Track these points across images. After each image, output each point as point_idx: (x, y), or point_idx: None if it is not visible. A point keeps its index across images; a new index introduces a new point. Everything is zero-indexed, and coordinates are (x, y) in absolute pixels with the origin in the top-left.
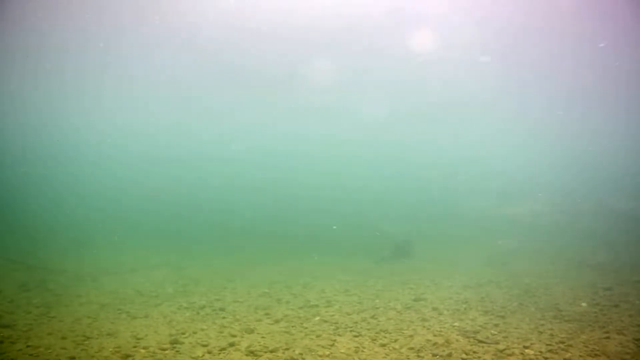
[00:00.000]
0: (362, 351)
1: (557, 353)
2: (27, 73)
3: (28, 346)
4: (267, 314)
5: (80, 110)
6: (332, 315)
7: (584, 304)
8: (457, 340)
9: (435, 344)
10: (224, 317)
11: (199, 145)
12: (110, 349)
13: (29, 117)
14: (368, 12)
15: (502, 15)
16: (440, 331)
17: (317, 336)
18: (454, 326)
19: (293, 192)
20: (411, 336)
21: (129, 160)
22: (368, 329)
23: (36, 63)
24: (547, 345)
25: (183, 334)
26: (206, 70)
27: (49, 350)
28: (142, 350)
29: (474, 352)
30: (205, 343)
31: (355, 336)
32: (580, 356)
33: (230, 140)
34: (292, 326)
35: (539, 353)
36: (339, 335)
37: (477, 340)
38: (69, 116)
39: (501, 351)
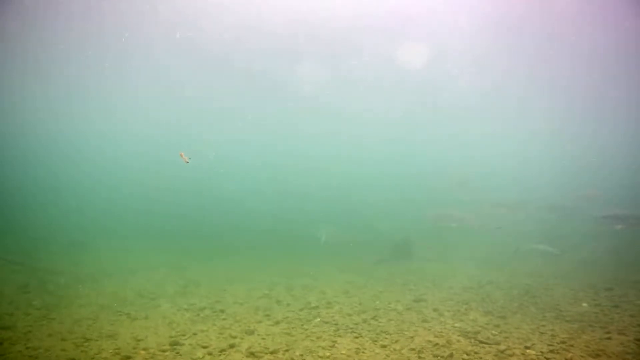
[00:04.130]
0: (363, 352)
1: (558, 353)
2: (27, 73)
3: (28, 348)
4: (267, 316)
5: (80, 110)
6: (333, 317)
7: (584, 305)
8: (458, 341)
9: (436, 344)
10: (224, 319)
11: (199, 145)
12: (110, 351)
13: (29, 118)
14: (367, 13)
15: (501, 15)
16: (441, 332)
17: (318, 337)
18: (454, 327)
19: (292, 192)
20: (412, 337)
21: (128, 160)
22: (369, 330)
23: (36, 63)
24: (549, 345)
25: (183, 335)
26: (205, 70)
27: (49, 352)
28: (142, 352)
29: (475, 352)
30: (205, 344)
31: (356, 337)
32: (582, 356)
33: (230, 140)
34: (293, 327)
35: (540, 353)
36: (340, 336)
37: (478, 340)
38: (69, 117)
39: (502, 352)
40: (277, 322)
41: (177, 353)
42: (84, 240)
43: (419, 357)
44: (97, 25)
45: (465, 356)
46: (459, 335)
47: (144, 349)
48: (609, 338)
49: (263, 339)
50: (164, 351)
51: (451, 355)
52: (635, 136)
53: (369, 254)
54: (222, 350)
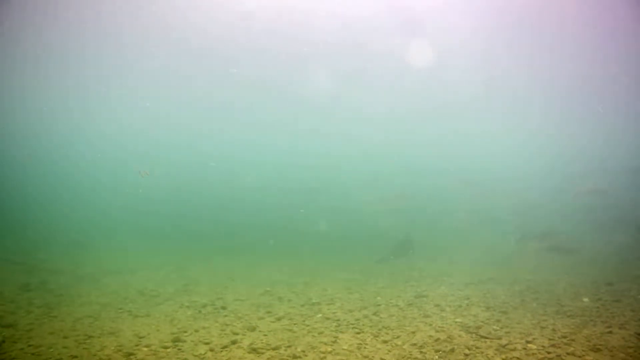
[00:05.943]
0: (365, 347)
1: (559, 347)
2: (27, 73)
3: (30, 345)
4: (268, 312)
5: (80, 110)
6: (334, 313)
7: (585, 299)
8: (459, 336)
9: (437, 339)
10: (225, 316)
11: (199, 144)
12: (112, 348)
13: (29, 117)
14: (367, 12)
15: (500, 14)
16: (443, 327)
17: (319, 333)
18: (456, 322)
19: (292, 190)
20: (413, 332)
21: (128, 160)
22: (370, 326)
23: (36, 62)
24: (550, 340)
25: (185, 332)
26: (205, 69)
27: (51, 350)
28: (144, 349)
29: (477, 347)
30: (207, 341)
31: (358, 333)
32: (583, 350)
33: (231, 139)
34: (294, 324)
35: (542, 348)
36: (341, 332)
37: (480, 335)
38: (69, 116)
39: (504, 346)
40: (279, 319)
41: (179, 349)
42: (84, 240)
43: (421, 352)
44: (96, 25)
45: (466, 351)
46: (460, 330)
47: (146, 346)
48: (610, 332)
49: (265, 335)
50: (166, 348)
51: (453, 350)
52: (635, 134)
53: (371, 252)
54: (224, 347)
